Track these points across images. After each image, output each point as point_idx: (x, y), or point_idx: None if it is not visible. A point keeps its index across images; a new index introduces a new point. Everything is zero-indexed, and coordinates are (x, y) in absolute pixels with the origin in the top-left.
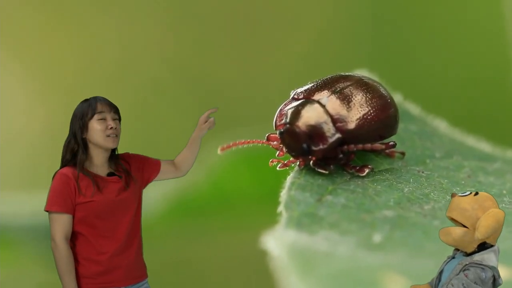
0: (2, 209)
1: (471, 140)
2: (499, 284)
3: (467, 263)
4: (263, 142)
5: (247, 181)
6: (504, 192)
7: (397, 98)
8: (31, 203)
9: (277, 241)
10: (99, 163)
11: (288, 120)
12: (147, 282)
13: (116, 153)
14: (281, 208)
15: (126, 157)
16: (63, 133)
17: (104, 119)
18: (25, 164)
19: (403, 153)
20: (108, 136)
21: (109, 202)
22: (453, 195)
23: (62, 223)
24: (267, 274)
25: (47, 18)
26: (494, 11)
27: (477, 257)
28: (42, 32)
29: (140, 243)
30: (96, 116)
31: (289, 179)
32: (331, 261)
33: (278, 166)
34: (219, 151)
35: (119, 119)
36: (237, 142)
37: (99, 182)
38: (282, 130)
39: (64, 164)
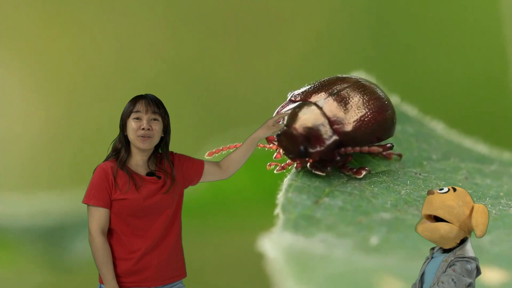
0: (0, 210)
1: (468, 142)
2: (480, 274)
3: (452, 258)
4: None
5: (246, 182)
6: (501, 194)
7: (394, 99)
8: (29, 204)
9: (273, 244)
10: (138, 162)
11: (285, 122)
12: (182, 282)
13: (161, 151)
14: (278, 210)
15: (171, 157)
16: (62, 134)
17: (139, 118)
18: (24, 165)
19: (400, 155)
20: (139, 136)
21: (144, 202)
22: (429, 192)
23: (98, 216)
24: (264, 276)
25: (47, 19)
26: (492, 14)
27: (459, 251)
28: (42, 32)
29: (177, 244)
30: (132, 115)
31: (286, 181)
32: (327, 264)
33: (276, 169)
34: (206, 156)
35: (165, 120)
36: (229, 146)
37: (136, 180)
38: (279, 132)
39: (107, 157)
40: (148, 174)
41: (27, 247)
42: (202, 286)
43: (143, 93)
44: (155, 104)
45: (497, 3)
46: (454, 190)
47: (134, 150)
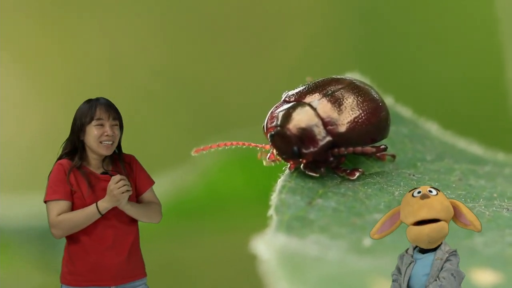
0: None
1: (462, 143)
2: None
3: (447, 255)
4: (246, 144)
5: (240, 182)
6: (495, 195)
7: (388, 100)
8: (25, 205)
9: (267, 245)
10: (94, 163)
11: (279, 123)
12: (145, 283)
13: (117, 151)
14: (271, 211)
15: (129, 160)
16: (58, 137)
17: (102, 125)
18: (20, 166)
19: (394, 156)
20: (102, 142)
21: (97, 199)
22: (425, 196)
23: (59, 207)
24: (257, 277)
25: (45, 21)
26: (486, 15)
27: (445, 246)
28: (41, 33)
29: (136, 242)
30: (94, 122)
31: (279, 182)
32: (321, 266)
33: (267, 157)
34: (193, 153)
35: (120, 124)
36: (218, 143)
37: (91, 179)
38: (272, 132)
39: (60, 157)
40: (103, 173)
41: (22, 248)
42: (195, 286)
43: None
44: (114, 109)
45: (491, 4)
46: (437, 189)
47: (90, 154)
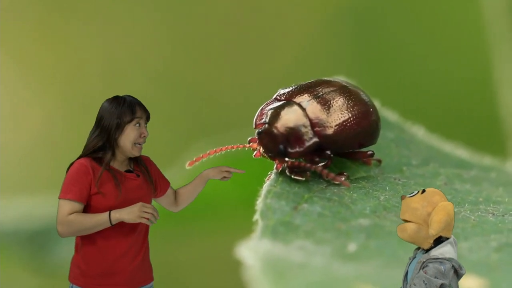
0: None
1: (448, 147)
2: (462, 274)
3: (424, 260)
4: (235, 147)
5: (228, 186)
6: (481, 199)
7: (375, 104)
8: (14, 208)
9: (251, 251)
10: (120, 163)
11: (267, 120)
12: (152, 286)
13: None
14: (257, 216)
15: (146, 161)
16: (56, 138)
17: (139, 125)
18: (17, 168)
19: (379, 161)
20: (136, 144)
21: (125, 198)
22: (402, 198)
23: (72, 207)
24: (242, 284)
25: (43, 26)
26: (473, 18)
27: (434, 252)
28: (39, 39)
29: (147, 247)
30: (134, 121)
31: (265, 187)
32: (305, 272)
33: (254, 154)
34: (187, 166)
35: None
36: (208, 152)
37: (118, 177)
38: (260, 130)
39: (84, 154)
40: (127, 171)
41: (12, 251)
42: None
43: (127, 94)
44: (147, 110)
45: (478, 6)
46: (423, 191)
47: (118, 152)
